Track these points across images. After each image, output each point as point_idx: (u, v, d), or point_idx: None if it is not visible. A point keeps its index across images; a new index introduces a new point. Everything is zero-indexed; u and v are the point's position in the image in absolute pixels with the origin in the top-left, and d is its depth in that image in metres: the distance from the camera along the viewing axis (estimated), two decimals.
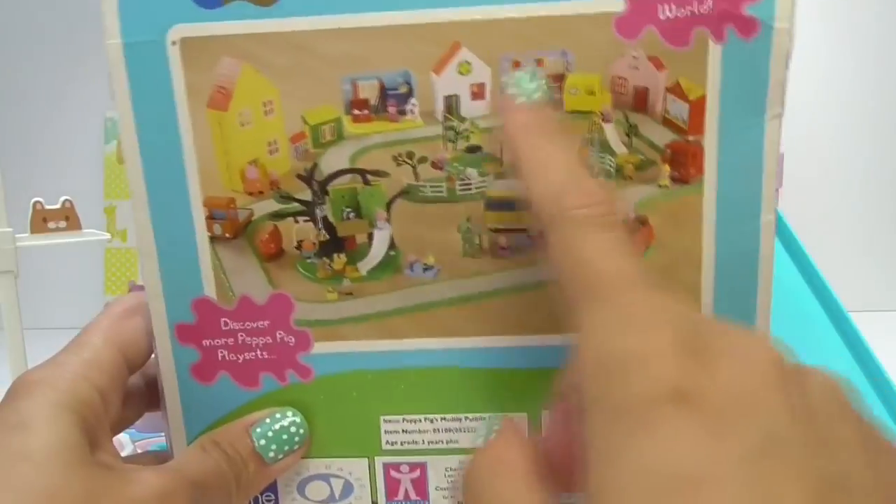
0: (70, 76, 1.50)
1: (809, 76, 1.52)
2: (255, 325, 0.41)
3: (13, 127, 1.51)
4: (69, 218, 0.99)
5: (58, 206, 0.99)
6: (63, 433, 0.35)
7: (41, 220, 0.98)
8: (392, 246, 0.40)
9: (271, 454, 0.40)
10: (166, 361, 0.41)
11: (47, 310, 1.32)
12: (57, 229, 0.98)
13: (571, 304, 0.31)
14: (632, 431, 0.26)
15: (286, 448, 0.41)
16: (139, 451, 0.63)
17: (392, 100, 0.39)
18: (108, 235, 0.99)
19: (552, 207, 0.32)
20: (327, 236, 0.40)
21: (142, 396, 0.43)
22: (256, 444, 0.40)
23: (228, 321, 0.41)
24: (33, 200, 0.98)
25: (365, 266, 0.40)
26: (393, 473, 0.43)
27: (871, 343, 0.79)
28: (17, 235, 0.91)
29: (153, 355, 0.41)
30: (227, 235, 0.40)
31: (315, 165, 0.40)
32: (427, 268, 0.40)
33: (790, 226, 0.85)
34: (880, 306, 1.46)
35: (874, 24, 1.49)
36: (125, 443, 0.71)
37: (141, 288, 0.41)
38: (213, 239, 0.40)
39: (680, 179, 0.38)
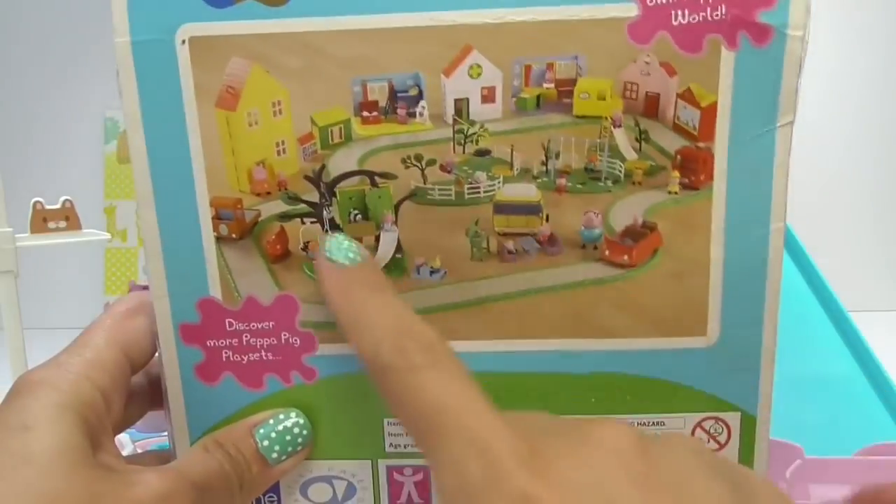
0: (70, 76, 1.50)
1: (810, 77, 1.52)
2: (260, 326, 0.41)
3: (13, 127, 1.50)
4: (69, 218, 0.99)
5: (58, 206, 0.99)
6: (65, 435, 0.35)
7: (41, 220, 0.97)
8: (399, 248, 0.40)
9: (274, 455, 0.40)
10: (170, 361, 0.41)
11: (47, 310, 1.32)
12: (57, 229, 0.97)
13: (420, 447, 0.32)
14: None
15: (289, 449, 0.41)
16: (139, 450, 0.63)
17: (402, 102, 0.39)
18: (108, 235, 0.98)
19: (374, 363, 0.33)
20: None
21: (144, 395, 0.43)
22: (260, 445, 0.40)
23: (233, 322, 0.41)
24: (33, 200, 0.97)
25: None
26: (396, 476, 0.42)
27: (871, 343, 0.80)
28: (17, 235, 0.91)
29: (156, 355, 0.41)
30: (234, 236, 0.40)
31: (323, 167, 0.39)
32: (434, 271, 0.40)
33: (790, 226, 0.85)
34: (880, 306, 1.46)
35: (873, 25, 1.49)
36: (125, 442, 0.70)
37: (141, 288, 0.41)
38: (220, 239, 0.40)
39: (690, 186, 0.38)
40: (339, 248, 0.36)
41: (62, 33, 1.51)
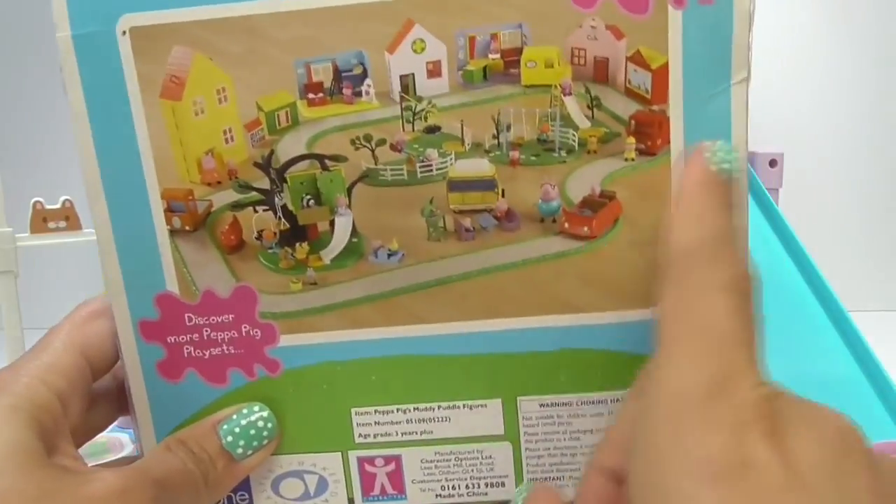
0: None
1: (810, 77, 1.52)
2: (219, 320, 0.40)
3: (13, 127, 1.51)
4: (69, 218, 0.99)
5: (58, 205, 0.99)
6: (17, 436, 0.34)
7: (41, 220, 0.98)
8: (355, 232, 0.39)
9: (239, 451, 0.39)
10: (131, 360, 0.40)
11: (47, 310, 1.32)
12: (57, 229, 0.98)
13: (663, 337, 0.32)
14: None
15: (255, 444, 0.40)
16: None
17: (347, 81, 0.38)
18: None
19: (679, 259, 0.33)
20: (287, 225, 0.39)
21: (112, 400, 0.42)
22: (224, 442, 0.39)
23: (193, 316, 0.40)
24: (33, 200, 0.98)
25: (328, 254, 0.39)
26: (368, 467, 0.42)
27: (871, 343, 0.79)
28: (17, 235, 0.91)
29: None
30: (187, 228, 0.39)
31: (272, 152, 0.39)
32: (392, 253, 0.39)
33: (790, 226, 0.84)
34: (880, 306, 1.46)
35: (874, 23, 1.48)
36: (125, 442, 0.70)
37: None
38: (173, 232, 0.39)
39: (646, 151, 0.37)
40: (717, 151, 0.35)
41: None
